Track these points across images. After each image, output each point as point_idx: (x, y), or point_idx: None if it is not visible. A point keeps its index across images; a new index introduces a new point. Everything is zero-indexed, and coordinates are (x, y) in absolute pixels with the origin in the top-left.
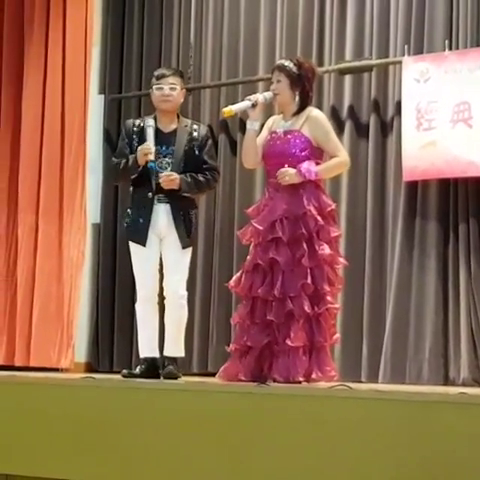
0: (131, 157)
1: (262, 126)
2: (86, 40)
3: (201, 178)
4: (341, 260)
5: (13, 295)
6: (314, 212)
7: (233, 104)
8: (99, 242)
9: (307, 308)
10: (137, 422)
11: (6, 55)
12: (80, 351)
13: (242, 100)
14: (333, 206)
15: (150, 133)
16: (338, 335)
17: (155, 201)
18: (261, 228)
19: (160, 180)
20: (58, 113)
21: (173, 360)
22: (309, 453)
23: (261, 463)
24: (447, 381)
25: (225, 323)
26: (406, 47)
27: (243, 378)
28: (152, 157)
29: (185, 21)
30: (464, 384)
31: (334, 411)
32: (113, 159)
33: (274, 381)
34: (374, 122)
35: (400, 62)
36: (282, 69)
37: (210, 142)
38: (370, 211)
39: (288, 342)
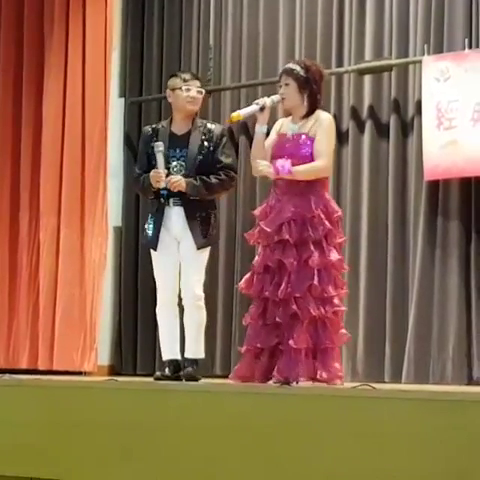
0: (146, 177)
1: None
2: (106, 44)
3: (213, 180)
4: (345, 265)
5: (35, 299)
6: (322, 216)
7: (241, 109)
8: (121, 245)
9: (312, 310)
10: (160, 424)
11: (26, 60)
12: (103, 354)
13: (249, 105)
14: (339, 212)
15: (160, 158)
16: (349, 335)
17: (170, 204)
18: (269, 230)
19: (167, 185)
20: (79, 117)
21: (194, 362)
22: (332, 453)
23: (284, 464)
24: (471, 381)
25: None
26: (426, 46)
27: (257, 379)
28: (163, 184)
29: (204, 23)
30: None
31: (358, 411)
32: (135, 170)
33: (275, 381)
34: (394, 122)
35: (420, 61)
36: (290, 73)
37: (225, 140)
38: (391, 211)
39: (291, 343)
